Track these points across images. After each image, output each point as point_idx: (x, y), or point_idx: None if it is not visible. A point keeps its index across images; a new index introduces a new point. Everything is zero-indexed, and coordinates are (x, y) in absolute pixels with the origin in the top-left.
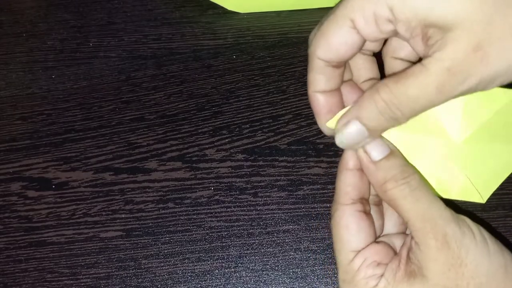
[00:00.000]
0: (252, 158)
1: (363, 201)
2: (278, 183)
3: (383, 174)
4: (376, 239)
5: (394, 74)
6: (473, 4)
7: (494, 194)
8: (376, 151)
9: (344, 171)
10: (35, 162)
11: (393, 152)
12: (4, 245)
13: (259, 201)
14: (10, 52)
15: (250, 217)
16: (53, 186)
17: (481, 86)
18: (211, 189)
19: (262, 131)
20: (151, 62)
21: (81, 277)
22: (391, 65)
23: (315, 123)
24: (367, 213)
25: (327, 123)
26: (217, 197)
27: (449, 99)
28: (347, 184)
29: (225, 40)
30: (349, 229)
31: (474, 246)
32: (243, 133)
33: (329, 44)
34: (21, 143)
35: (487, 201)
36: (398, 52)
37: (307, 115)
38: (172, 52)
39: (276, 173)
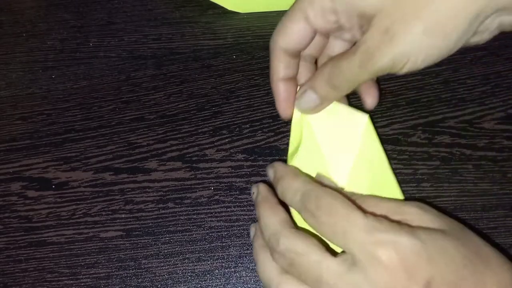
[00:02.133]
0: (252, 158)
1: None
2: None
3: (346, 194)
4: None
5: (340, 53)
6: None
7: (494, 194)
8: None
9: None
10: (35, 162)
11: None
12: (4, 245)
13: None
14: (10, 52)
15: (250, 217)
16: (53, 186)
17: (397, 65)
18: (211, 189)
19: (262, 131)
20: (151, 62)
21: (81, 277)
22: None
23: None
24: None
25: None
26: (217, 197)
27: (372, 74)
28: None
29: (225, 40)
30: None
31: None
32: (243, 133)
33: (288, 34)
34: (21, 143)
35: (487, 201)
36: (331, 53)
37: None
38: (172, 52)
39: None
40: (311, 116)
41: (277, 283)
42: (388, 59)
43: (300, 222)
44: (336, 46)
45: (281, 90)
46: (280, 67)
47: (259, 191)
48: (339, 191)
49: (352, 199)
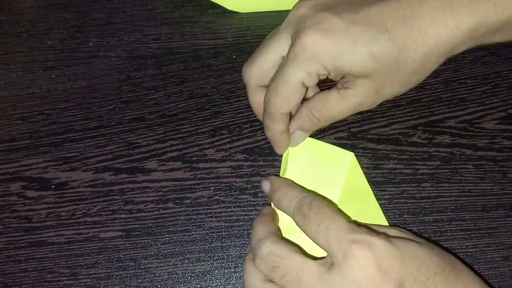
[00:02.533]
0: (252, 158)
1: None
2: None
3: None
4: None
5: (319, 95)
6: (381, 64)
7: (494, 194)
8: None
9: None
10: (34, 162)
11: None
12: (4, 245)
13: (259, 201)
14: (10, 52)
15: (250, 217)
16: (53, 186)
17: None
18: (211, 189)
19: (262, 131)
20: (151, 62)
21: (81, 277)
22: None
23: None
24: None
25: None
26: (217, 197)
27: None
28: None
29: (225, 40)
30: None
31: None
32: (243, 133)
33: (289, 103)
34: (20, 143)
35: (487, 201)
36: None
37: None
38: (172, 52)
39: (276, 173)
40: (298, 154)
41: None
42: (377, 104)
43: (286, 234)
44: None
45: (281, 139)
46: (281, 126)
47: (273, 182)
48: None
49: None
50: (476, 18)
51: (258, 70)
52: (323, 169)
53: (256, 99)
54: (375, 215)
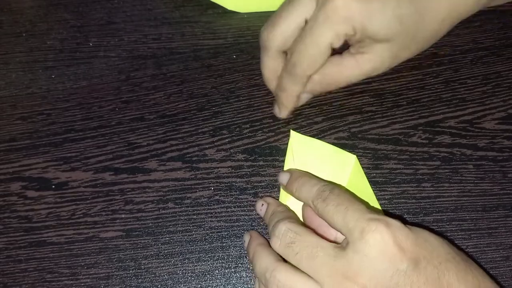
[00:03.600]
0: (253, 158)
1: None
2: (278, 183)
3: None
4: None
5: (332, 60)
6: (404, 28)
7: (494, 194)
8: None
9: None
10: (35, 162)
11: None
12: (4, 245)
13: None
14: (10, 52)
15: (250, 217)
16: (53, 186)
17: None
18: (211, 189)
19: (263, 131)
20: (151, 62)
21: (81, 277)
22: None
23: (316, 123)
24: None
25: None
26: (217, 197)
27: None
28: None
29: (225, 40)
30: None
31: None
32: (243, 133)
33: (316, 64)
34: (20, 143)
35: (487, 201)
36: None
37: (307, 115)
38: (172, 52)
39: (276, 173)
40: (301, 155)
41: (272, 269)
42: (388, 69)
43: None
44: None
45: (294, 100)
46: (301, 87)
47: (252, 235)
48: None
49: None
50: None
51: (281, 33)
52: (326, 170)
53: (272, 65)
54: None
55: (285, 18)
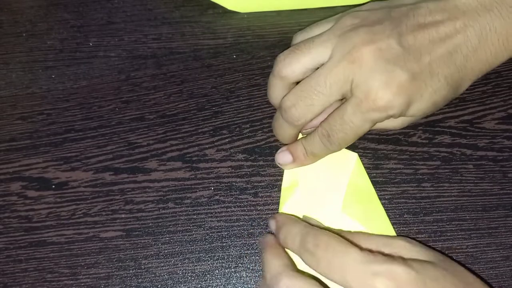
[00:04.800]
0: (253, 158)
1: None
2: (278, 183)
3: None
4: None
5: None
6: (431, 109)
7: (494, 194)
8: None
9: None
10: (35, 162)
11: None
12: (4, 245)
13: (260, 201)
14: (10, 52)
15: (251, 217)
16: (53, 186)
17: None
18: (211, 189)
19: (263, 131)
20: (151, 62)
21: (81, 277)
22: None
23: None
24: None
25: None
26: (217, 197)
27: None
28: None
29: (225, 40)
30: None
31: None
32: (244, 133)
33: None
34: (21, 143)
35: (487, 201)
36: None
37: None
38: (172, 52)
39: (277, 173)
40: None
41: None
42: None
43: (302, 268)
44: None
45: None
46: (281, 94)
47: (266, 239)
48: (333, 231)
49: (342, 236)
50: None
51: (301, 68)
52: (327, 169)
53: (283, 93)
54: (379, 217)
55: (307, 55)
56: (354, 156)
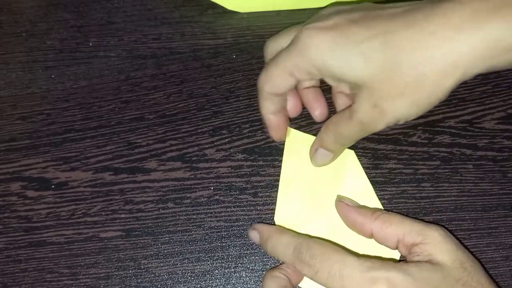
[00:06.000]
0: (252, 158)
1: None
2: (278, 183)
3: (371, 209)
4: None
5: (337, 112)
6: (373, 69)
7: (494, 194)
8: (353, 203)
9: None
10: (34, 162)
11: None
12: (4, 245)
13: (259, 201)
14: (9, 52)
15: (250, 217)
16: (53, 186)
17: (392, 125)
18: (211, 189)
19: (262, 130)
20: (151, 62)
21: (80, 277)
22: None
23: (315, 122)
24: None
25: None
26: (217, 197)
27: (373, 132)
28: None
29: (225, 40)
30: None
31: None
32: (243, 133)
33: (273, 83)
34: (20, 143)
35: (487, 201)
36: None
37: (306, 115)
38: (172, 52)
39: (276, 173)
40: (298, 151)
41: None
42: (383, 125)
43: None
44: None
45: (271, 121)
46: (268, 105)
47: (261, 231)
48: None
49: (376, 214)
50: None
51: (274, 48)
52: (324, 168)
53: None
54: None
55: (280, 38)
56: (350, 153)
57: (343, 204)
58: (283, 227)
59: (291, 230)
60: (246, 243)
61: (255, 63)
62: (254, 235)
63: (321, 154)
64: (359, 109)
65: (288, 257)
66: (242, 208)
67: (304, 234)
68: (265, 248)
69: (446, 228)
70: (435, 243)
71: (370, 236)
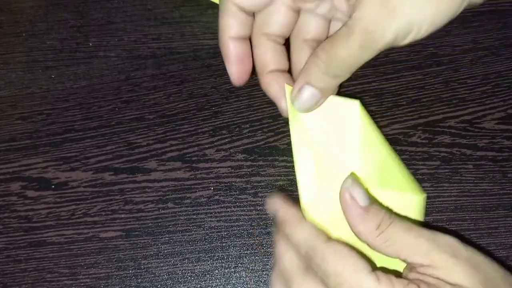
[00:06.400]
0: (252, 158)
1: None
2: (278, 183)
3: (375, 219)
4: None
5: (330, 36)
6: None
7: (494, 194)
8: (363, 197)
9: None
10: (34, 162)
11: (372, 200)
12: (4, 245)
13: (259, 201)
14: (9, 52)
15: (250, 217)
16: (53, 186)
17: (400, 37)
18: (211, 189)
19: (262, 131)
20: (151, 62)
21: (80, 277)
22: (299, 48)
23: None
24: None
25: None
26: (217, 197)
27: (375, 53)
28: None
29: None
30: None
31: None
32: (243, 133)
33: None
34: (20, 143)
35: (487, 201)
36: (305, 35)
37: None
38: (172, 52)
39: (276, 173)
40: (301, 115)
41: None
42: (392, 33)
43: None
44: (310, 24)
45: (231, 50)
46: (233, 26)
47: (278, 210)
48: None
49: (379, 230)
50: None
51: None
52: (332, 126)
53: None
54: (398, 174)
55: None
56: (355, 103)
57: (346, 198)
58: (302, 214)
59: (310, 223)
60: (246, 243)
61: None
62: (271, 207)
63: (307, 94)
64: (362, 13)
65: (297, 255)
66: (242, 208)
67: (325, 229)
68: (278, 229)
69: (446, 228)
70: (446, 268)
71: (378, 226)
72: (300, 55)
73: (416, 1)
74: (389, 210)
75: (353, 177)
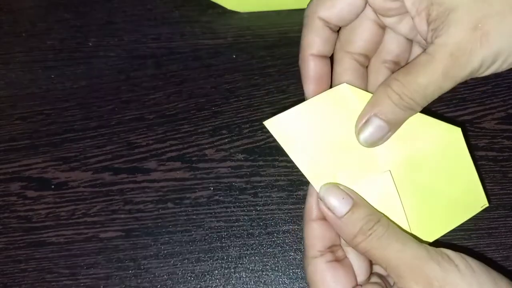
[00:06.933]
0: (252, 158)
1: (334, 248)
2: (278, 183)
3: (351, 229)
4: (363, 281)
5: (406, 65)
6: None
7: (494, 194)
8: (339, 206)
9: (308, 222)
10: (34, 162)
11: (356, 203)
12: (4, 245)
13: (259, 201)
14: (9, 52)
15: (250, 217)
16: (53, 186)
17: (484, 68)
18: (210, 189)
19: (262, 131)
20: (151, 62)
21: (80, 277)
22: (377, 69)
23: None
24: (340, 260)
25: None
26: (216, 197)
27: (456, 83)
28: (313, 237)
29: (225, 40)
30: (325, 283)
31: (460, 280)
32: (243, 133)
33: (333, 2)
34: (20, 143)
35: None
36: (386, 55)
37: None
38: (172, 52)
39: (276, 173)
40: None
41: None
42: (479, 61)
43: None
44: (392, 44)
45: (311, 68)
46: (315, 41)
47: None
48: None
49: (357, 240)
50: None
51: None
52: (429, 150)
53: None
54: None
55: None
56: (457, 130)
57: (323, 208)
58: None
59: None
60: (246, 243)
61: (255, 63)
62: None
63: (374, 127)
64: (449, 38)
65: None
66: (242, 208)
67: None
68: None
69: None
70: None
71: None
72: (378, 77)
73: (509, 29)
74: (374, 213)
75: (329, 184)
